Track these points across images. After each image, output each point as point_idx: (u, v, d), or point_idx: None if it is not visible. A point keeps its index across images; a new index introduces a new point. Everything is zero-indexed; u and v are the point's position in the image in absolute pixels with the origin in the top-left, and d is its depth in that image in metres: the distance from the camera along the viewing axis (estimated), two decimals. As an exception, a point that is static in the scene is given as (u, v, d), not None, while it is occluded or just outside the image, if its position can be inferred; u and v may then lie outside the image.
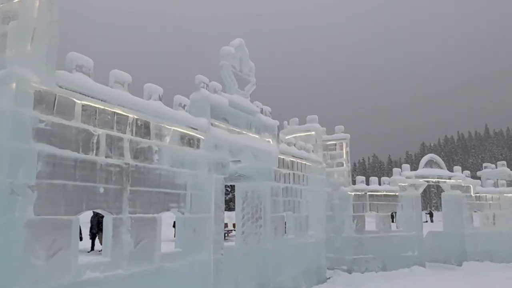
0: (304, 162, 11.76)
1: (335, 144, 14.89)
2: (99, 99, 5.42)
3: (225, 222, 25.94)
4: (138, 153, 6.07)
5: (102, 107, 5.51)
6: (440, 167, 16.46)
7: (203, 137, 7.50)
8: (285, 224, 11.24)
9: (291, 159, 10.95)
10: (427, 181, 15.84)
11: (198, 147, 7.40)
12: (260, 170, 9.57)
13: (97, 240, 18.70)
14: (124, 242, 5.71)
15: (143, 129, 6.21)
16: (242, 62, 9.18)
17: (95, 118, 5.42)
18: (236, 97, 8.61)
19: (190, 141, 7.19)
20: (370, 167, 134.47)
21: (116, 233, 5.60)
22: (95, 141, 5.37)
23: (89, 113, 5.32)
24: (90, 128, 5.32)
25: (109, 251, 5.51)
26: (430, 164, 16.33)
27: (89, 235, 19.02)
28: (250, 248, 9.53)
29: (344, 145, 14.82)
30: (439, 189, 17.48)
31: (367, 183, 15.14)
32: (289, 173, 10.83)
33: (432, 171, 16.12)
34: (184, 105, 7.22)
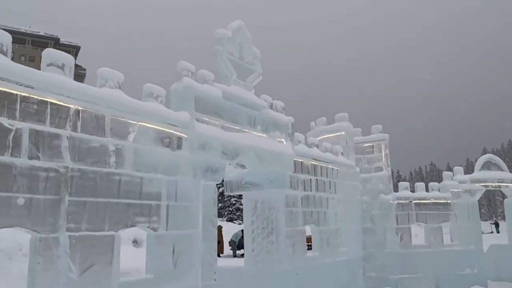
0: (331, 166, 10.08)
1: (372, 146, 13.03)
2: (18, 84, 4.19)
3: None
4: (85, 154, 4.78)
5: (25, 94, 4.28)
6: (501, 169, 14.07)
7: (185, 135, 6.13)
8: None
9: (313, 162, 9.32)
10: (485, 186, 13.52)
11: (178, 147, 6.03)
12: (271, 175, 8.05)
13: None
14: (61, 268, 4.39)
15: (93, 123, 4.93)
16: (243, 49, 7.75)
17: (14, 109, 4.19)
18: (233, 89, 7.19)
19: (166, 140, 5.83)
20: (428, 176, 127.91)
21: (48, 257, 4.30)
22: (11, 137, 4.12)
23: (1, 102, 4.10)
24: (4, 121, 4.08)
25: (36, 282, 4.21)
26: (488, 166, 13.99)
27: None
28: (262, 270, 7.97)
29: (383, 147, 12.91)
30: (505, 196, 15.02)
31: (412, 190, 13.10)
32: (311, 179, 9.20)
33: (491, 174, 13.76)
34: (157, 96, 5.89)
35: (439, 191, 13.25)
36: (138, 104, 5.43)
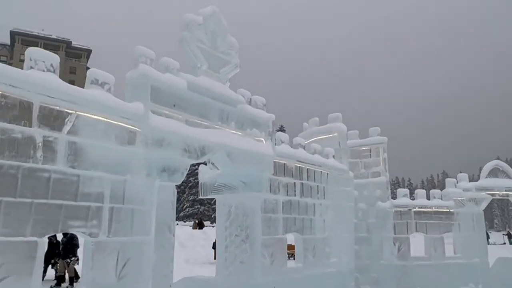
0: (320, 170, 9.29)
1: (370, 150, 12.21)
2: None
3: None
4: (2, 145, 4.09)
5: None
6: (509, 177, 13.11)
7: (138, 129, 5.42)
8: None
9: (298, 164, 8.55)
10: (492, 194, 12.59)
11: (130, 142, 5.32)
12: (246, 178, 7.30)
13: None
14: (-39, 280, 3.69)
15: (16, 111, 4.23)
16: (217, 37, 7.04)
17: None
18: (202, 80, 6.47)
19: (112, 134, 5.13)
20: (440, 185, 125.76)
21: None
22: None
23: None
24: None
25: None
26: (495, 173, 13.05)
27: None
28: (234, 281, 7.19)
29: (381, 150, 12.09)
30: (514, 206, 14.00)
31: (412, 197, 12.24)
32: (295, 183, 8.42)
33: (498, 182, 12.82)
34: (103, 83, 5.20)
35: (441, 199, 12.38)
36: (76, 91, 4.74)
